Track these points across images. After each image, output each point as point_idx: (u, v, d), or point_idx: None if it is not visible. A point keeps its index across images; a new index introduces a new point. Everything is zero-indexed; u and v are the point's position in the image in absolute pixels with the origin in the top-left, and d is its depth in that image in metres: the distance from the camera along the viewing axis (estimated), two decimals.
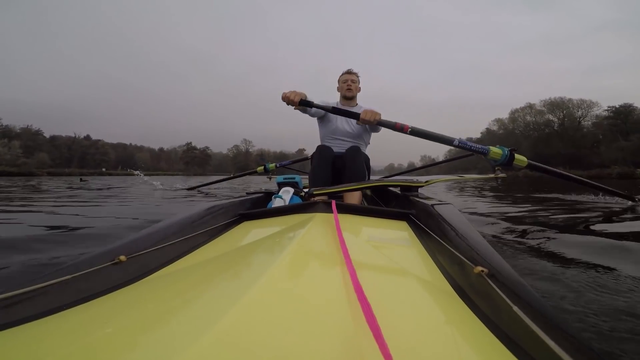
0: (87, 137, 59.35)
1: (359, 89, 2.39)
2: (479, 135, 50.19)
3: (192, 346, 0.28)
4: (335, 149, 2.14)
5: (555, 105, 40.45)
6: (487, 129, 49.86)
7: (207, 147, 71.17)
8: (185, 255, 0.72)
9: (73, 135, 57.20)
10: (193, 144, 69.57)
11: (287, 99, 1.71)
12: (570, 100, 39.51)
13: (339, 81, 2.42)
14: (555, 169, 2.08)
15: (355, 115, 1.74)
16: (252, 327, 0.31)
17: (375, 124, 1.72)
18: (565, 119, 38.85)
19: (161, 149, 72.33)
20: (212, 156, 70.70)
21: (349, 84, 2.30)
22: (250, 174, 5.49)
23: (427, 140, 1.68)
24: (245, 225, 0.99)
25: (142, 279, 0.57)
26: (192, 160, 65.93)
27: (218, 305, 0.36)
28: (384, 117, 1.72)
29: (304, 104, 1.73)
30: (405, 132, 1.66)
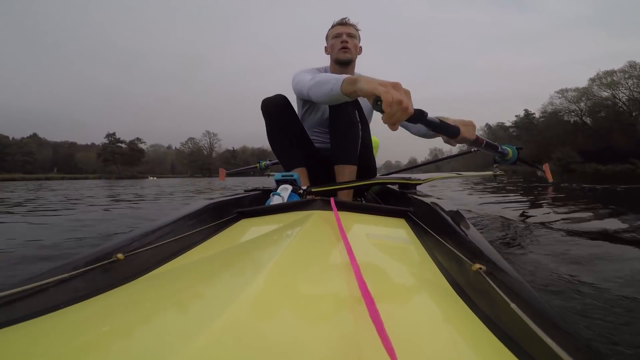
0: (33, 136, 51.55)
1: (359, 50, 1.58)
2: (514, 118, 41.98)
3: (191, 344, 0.27)
4: (325, 145, 1.62)
5: None
6: (525, 110, 38.13)
7: (138, 139, 53.10)
8: (183, 253, 0.72)
9: None
10: (117, 136, 52.17)
11: (398, 106, 0.74)
12: None
13: (327, 38, 1.59)
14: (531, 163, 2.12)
15: (451, 131, 1.00)
16: (255, 322, 0.31)
17: (471, 142, 1.06)
18: None
19: None
20: (145, 152, 54.20)
21: (344, 40, 1.50)
22: (251, 169, 5.56)
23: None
24: (244, 222, 0.99)
25: (139, 277, 0.57)
26: (114, 158, 50.95)
27: (218, 302, 0.36)
28: None
29: (418, 119, 0.85)
30: (481, 146, 1.20)
